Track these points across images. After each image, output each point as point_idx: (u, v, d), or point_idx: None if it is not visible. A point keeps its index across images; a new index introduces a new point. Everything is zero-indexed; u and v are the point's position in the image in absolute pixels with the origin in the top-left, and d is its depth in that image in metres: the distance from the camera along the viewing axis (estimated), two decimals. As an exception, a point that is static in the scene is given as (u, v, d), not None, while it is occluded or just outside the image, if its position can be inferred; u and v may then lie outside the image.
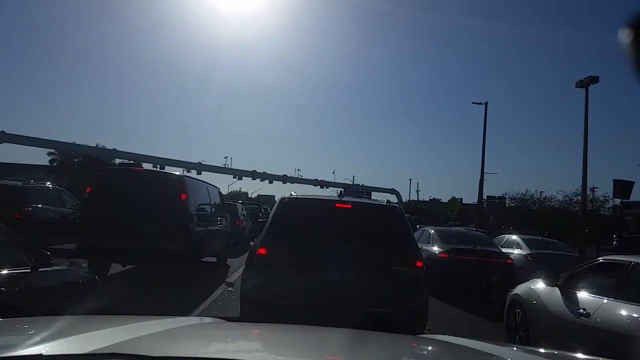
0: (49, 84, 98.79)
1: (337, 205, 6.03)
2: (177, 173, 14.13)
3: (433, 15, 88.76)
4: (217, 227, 12.16)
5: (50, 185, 13.69)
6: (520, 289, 6.73)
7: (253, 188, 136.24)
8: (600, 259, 5.92)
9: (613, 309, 4.67)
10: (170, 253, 8.87)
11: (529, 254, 12.81)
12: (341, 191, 7.67)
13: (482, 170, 30.36)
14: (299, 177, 58.45)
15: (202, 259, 10.91)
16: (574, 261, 11.44)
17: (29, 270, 4.47)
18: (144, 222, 8.93)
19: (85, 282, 5.48)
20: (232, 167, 56.10)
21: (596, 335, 4.65)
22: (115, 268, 10.19)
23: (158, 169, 23.32)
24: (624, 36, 1.86)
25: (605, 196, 33.03)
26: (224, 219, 13.21)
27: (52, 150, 48.95)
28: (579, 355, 2.41)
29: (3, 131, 39.20)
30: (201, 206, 11.13)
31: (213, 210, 12.25)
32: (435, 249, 11.54)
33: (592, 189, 34.65)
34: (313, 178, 56.78)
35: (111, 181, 10.22)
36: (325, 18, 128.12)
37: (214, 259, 12.45)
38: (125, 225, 8.88)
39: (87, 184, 10.84)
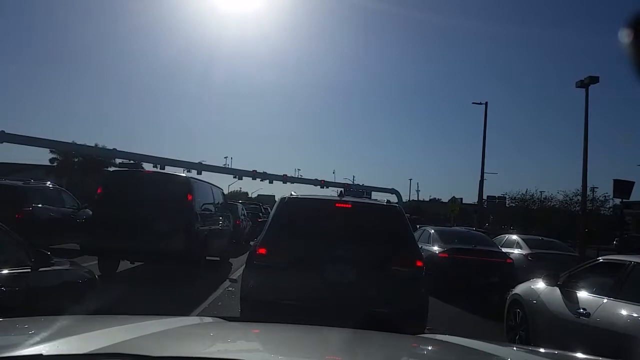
0: (49, 84, 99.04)
1: (337, 205, 6.01)
2: (183, 174, 14.40)
3: (433, 16, 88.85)
4: (220, 227, 12.42)
5: (50, 185, 13.65)
6: (520, 289, 6.73)
7: (253, 188, 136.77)
8: (600, 259, 5.91)
9: (613, 308, 4.67)
10: (177, 251, 9.21)
11: (529, 253, 12.81)
12: (341, 191, 7.66)
13: (482, 170, 30.35)
14: (299, 177, 58.51)
15: (206, 258, 11.08)
16: (574, 261, 11.43)
17: (29, 270, 4.47)
18: (152, 221, 9.13)
19: (85, 282, 5.48)
20: (232, 167, 56.24)
21: (596, 335, 4.65)
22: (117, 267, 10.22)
23: (164, 171, 23.36)
24: (624, 36, 1.86)
25: (605, 196, 33.06)
26: (226, 219, 13.45)
27: (53, 150, 49.01)
28: (579, 355, 2.41)
29: (3, 131, 39.22)
30: (206, 206, 11.42)
31: (217, 210, 12.53)
32: (436, 248, 11.54)
33: (592, 189, 34.65)
34: (313, 178, 56.82)
35: (121, 182, 10.55)
36: (325, 18, 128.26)
37: (217, 258, 12.61)
38: (134, 225, 9.12)
39: (97, 184, 11.28)
